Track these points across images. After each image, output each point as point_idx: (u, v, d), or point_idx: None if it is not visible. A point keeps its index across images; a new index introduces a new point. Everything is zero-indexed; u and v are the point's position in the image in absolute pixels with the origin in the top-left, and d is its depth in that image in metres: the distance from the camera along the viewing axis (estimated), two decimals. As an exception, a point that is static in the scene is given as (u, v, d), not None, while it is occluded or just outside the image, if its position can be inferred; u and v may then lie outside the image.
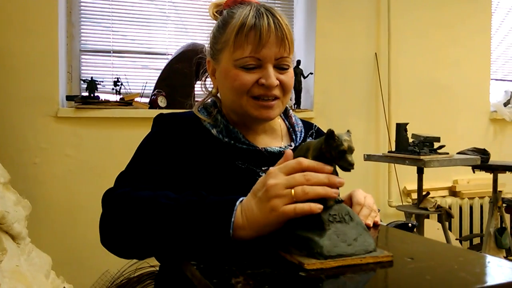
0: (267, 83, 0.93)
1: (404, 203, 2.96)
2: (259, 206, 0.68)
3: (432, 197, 2.48)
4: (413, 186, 2.70)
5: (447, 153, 2.28)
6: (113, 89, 2.49)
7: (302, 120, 1.18)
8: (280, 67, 0.96)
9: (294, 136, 1.08)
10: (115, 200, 0.79)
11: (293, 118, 1.13)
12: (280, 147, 1.03)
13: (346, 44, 2.96)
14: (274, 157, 1.01)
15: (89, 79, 2.42)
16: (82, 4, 2.63)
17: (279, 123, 1.10)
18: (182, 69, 2.62)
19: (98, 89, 2.57)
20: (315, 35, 2.89)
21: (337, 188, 0.68)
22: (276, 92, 0.96)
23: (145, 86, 2.66)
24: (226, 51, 0.96)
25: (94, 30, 2.70)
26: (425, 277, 0.58)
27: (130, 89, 2.65)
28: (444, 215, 2.34)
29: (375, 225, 0.90)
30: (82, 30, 2.66)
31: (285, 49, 0.94)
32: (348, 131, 0.70)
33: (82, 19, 2.65)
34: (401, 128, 2.33)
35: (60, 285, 2.07)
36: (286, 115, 1.14)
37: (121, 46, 2.73)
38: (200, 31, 2.87)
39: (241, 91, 0.94)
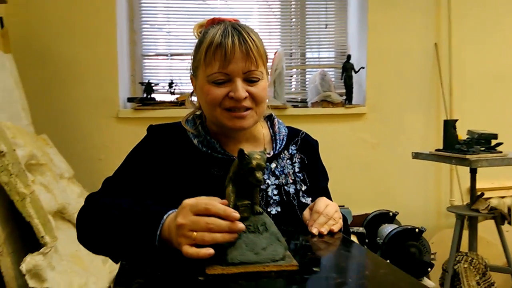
0: (235, 96, 0.99)
1: (464, 203, 2.78)
2: (173, 235, 0.76)
3: (488, 198, 2.31)
4: (480, 184, 2.52)
5: (500, 152, 2.12)
6: (167, 90, 2.69)
7: (290, 128, 1.22)
8: (250, 80, 1.02)
9: (274, 144, 1.13)
10: (86, 204, 0.92)
11: (276, 126, 1.17)
12: None
13: (400, 36, 2.83)
14: None
15: (146, 82, 2.65)
16: (143, 12, 2.87)
17: (261, 131, 1.15)
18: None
19: (158, 91, 2.81)
20: (367, 28, 2.82)
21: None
22: (247, 103, 1.01)
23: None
24: (201, 68, 1.04)
25: (154, 36, 2.94)
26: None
27: (185, 89, 2.84)
28: (499, 218, 2.17)
29: (332, 233, 0.93)
30: (143, 36, 2.90)
31: (251, 63, 1.00)
32: (264, 149, 0.75)
33: (143, 26, 2.89)
34: (449, 125, 2.21)
35: (116, 270, 2.33)
36: (272, 123, 1.19)
37: (179, 49, 2.94)
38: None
39: (213, 104, 1.02)
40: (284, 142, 1.13)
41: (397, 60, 2.85)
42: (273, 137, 1.15)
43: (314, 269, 0.71)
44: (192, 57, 1.09)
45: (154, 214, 0.80)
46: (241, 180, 0.75)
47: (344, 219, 1.17)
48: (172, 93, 2.69)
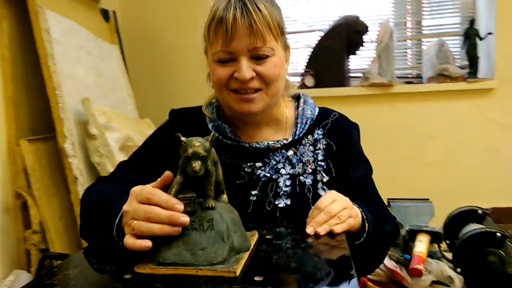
0: (239, 76, 0.90)
1: None
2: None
3: None
4: None
5: None
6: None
7: (323, 109, 1.07)
8: (257, 57, 0.91)
9: (294, 129, 1.01)
10: (86, 189, 0.95)
11: (301, 108, 1.04)
12: (270, 142, 0.98)
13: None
14: (260, 152, 0.98)
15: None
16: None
17: (285, 114, 1.04)
18: (332, 45, 2.57)
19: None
20: (497, -15, 2.33)
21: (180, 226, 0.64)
22: (254, 84, 0.92)
23: (297, 66, 2.73)
24: (208, 46, 0.97)
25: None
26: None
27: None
28: None
29: (332, 235, 0.78)
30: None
31: (257, 39, 0.89)
32: (212, 135, 0.66)
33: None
34: None
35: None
36: (298, 104, 1.06)
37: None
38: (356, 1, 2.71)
39: (219, 85, 0.94)
40: (306, 126, 1.00)
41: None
42: (296, 121, 1.03)
43: (256, 278, 0.60)
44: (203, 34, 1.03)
45: (118, 203, 0.78)
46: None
47: (392, 221, 0.99)
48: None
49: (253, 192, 0.95)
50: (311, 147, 1.00)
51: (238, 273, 0.61)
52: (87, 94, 1.89)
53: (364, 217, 0.89)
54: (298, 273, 0.62)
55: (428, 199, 1.70)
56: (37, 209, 1.74)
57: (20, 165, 1.76)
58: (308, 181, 0.96)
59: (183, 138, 0.64)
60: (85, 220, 0.86)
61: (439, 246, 1.40)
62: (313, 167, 0.98)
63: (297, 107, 1.05)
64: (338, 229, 0.79)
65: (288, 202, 0.94)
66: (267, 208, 0.93)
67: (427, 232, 1.36)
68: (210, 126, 1.03)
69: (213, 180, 0.68)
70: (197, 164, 0.63)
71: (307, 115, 1.02)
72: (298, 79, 2.65)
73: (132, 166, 1.00)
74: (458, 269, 1.22)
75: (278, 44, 0.94)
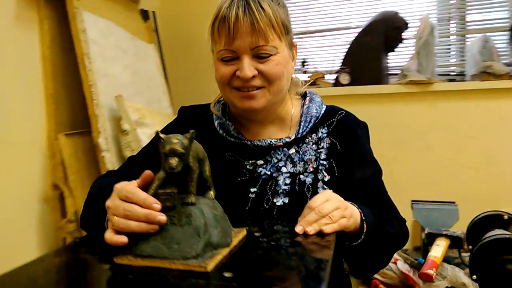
0: (241, 75, 0.91)
1: None
2: None
3: None
4: None
5: None
6: (299, 69, 2.64)
7: (330, 107, 1.05)
8: (260, 56, 0.91)
9: (297, 127, 1.00)
10: (94, 181, 0.99)
11: (305, 106, 1.02)
12: (273, 140, 0.98)
13: None
14: (261, 150, 0.99)
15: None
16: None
17: (290, 112, 1.03)
18: (369, 42, 2.50)
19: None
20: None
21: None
22: (256, 82, 0.92)
23: (332, 64, 2.68)
24: (213, 45, 0.99)
25: (292, 15, 2.90)
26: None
27: (319, 68, 2.73)
28: None
29: (322, 235, 0.77)
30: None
31: (259, 38, 0.89)
32: (191, 132, 0.67)
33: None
34: None
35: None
36: (304, 102, 1.05)
37: (317, 26, 2.83)
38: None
39: (222, 83, 0.96)
40: (310, 124, 0.99)
41: None
42: (300, 119, 1.02)
43: (225, 274, 0.61)
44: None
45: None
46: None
47: (399, 224, 0.96)
48: (305, 72, 2.62)
49: (252, 190, 0.95)
50: (314, 145, 0.99)
51: (210, 268, 0.62)
52: (122, 92, 1.97)
53: (363, 218, 0.87)
54: (270, 271, 0.62)
55: (454, 202, 1.62)
56: (73, 199, 1.84)
57: (58, 158, 1.87)
58: (308, 180, 0.95)
59: (161, 135, 0.66)
60: (84, 211, 0.90)
61: (459, 252, 1.33)
62: (314, 166, 0.96)
63: (303, 105, 1.04)
64: (328, 229, 0.77)
65: (286, 200, 0.93)
66: (265, 206, 0.94)
67: (446, 236, 1.30)
68: (216, 123, 1.04)
69: (195, 177, 0.70)
70: (173, 161, 0.64)
71: (311, 114, 1.01)
72: (333, 76, 2.61)
73: (138, 161, 1.03)
74: (474, 276, 1.15)
75: (282, 43, 0.93)
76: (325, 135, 1.00)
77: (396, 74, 2.57)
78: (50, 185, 1.88)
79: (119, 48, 2.10)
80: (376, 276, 1.37)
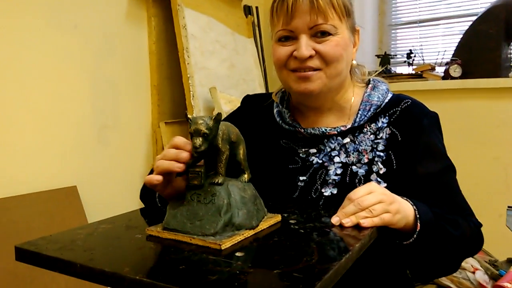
0: (297, 54, 0.89)
1: None
2: None
3: None
4: None
5: None
6: (405, 61, 2.48)
7: (396, 96, 0.97)
8: (318, 35, 0.89)
9: (355, 116, 0.94)
10: None
11: (366, 94, 0.96)
12: (327, 128, 0.94)
13: None
14: (315, 138, 0.96)
15: (383, 54, 2.52)
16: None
17: (350, 100, 0.98)
18: (487, 30, 2.25)
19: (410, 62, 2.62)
20: None
21: (184, 163, 0.70)
22: (314, 63, 0.89)
23: (443, 55, 2.46)
24: (272, 29, 0.99)
25: (402, 4, 2.73)
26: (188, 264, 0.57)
27: (424, 59, 2.53)
28: None
29: (360, 228, 0.72)
30: (394, 6, 2.75)
31: (318, 16, 0.87)
32: (218, 113, 0.69)
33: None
34: None
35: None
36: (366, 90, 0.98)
37: (428, 14, 2.62)
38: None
39: (279, 65, 0.95)
40: (369, 113, 0.94)
41: None
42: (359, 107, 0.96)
43: (237, 254, 0.61)
44: None
45: None
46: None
47: (468, 227, 0.87)
48: (410, 64, 2.45)
49: (302, 178, 0.93)
50: (372, 135, 0.93)
51: (224, 246, 0.63)
52: (218, 84, 2.07)
53: (417, 216, 0.79)
54: (281, 255, 0.61)
55: None
56: (169, 183, 2.00)
57: (160, 144, 2.05)
58: (361, 171, 0.90)
59: (189, 116, 0.69)
60: (143, 185, 0.98)
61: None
62: (370, 157, 0.91)
63: (365, 93, 0.98)
64: (366, 223, 0.72)
65: (335, 191, 0.89)
66: (313, 195, 0.91)
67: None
68: (275, 111, 1.04)
69: (223, 158, 0.71)
70: (197, 141, 0.67)
71: (372, 102, 0.95)
72: (442, 69, 2.40)
73: None
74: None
75: (343, 24, 0.90)
76: (385, 125, 0.93)
77: (518, 66, 2.26)
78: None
79: (218, 43, 2.21)
80: (450, 285, 1.23)
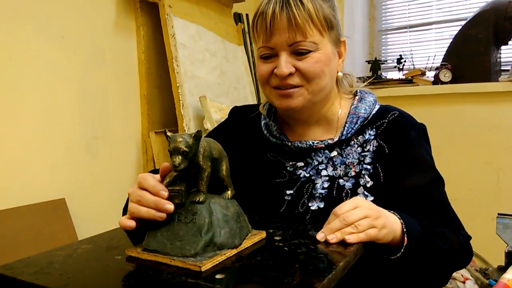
0: (277, 72, 0.88)
1: None
2: None
3: None
4: None
5: None
6: (395, 67, 2.48)
7: (383, 107, 0.96)
8: (298, 53, 0.88)
9: (342, 129, 0.93)
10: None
11: (353, 106, 0.95)
12: (314, 141, 0.93)
13: None
14: (302, 151, 0.94)
15: (373, 59, 2.52)
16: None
17: (337, 113, 0.96)
18: (476, 34, 2.25)
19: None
20: None
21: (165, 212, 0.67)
22: (294, 80, 0.88)
23: (433, 59, 2.46)
24: (254, 43, 0.98)
25: (392, 9, 2.73)
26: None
27: (414, 65, 2.53)
28: None
29: (345, 244, 0.71)
30: (383, 11, 2.76)
31: (297, 33, 0.86)
32: (197, 131, 0.67)
33: (382, 1, 2.74)
34: None
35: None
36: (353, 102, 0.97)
37: (418, 19, 2.63)
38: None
39: (261, 82, 0.94)
40: (357, 126, 0.92)
41: None
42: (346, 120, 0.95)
43: (217, 276, 0.60)
44: None
45: None
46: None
47: (456, 239, 0.86)
48: (400, 69, 2.45)
49: (288, 192, 0.92)
50: (359, 148, 0.92)
51: (204, 268, 0.62)
52: (209, 92, 2.06)
53: (405, 230, 0.78)
54: (262, 276, 0.59)
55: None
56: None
57: (150, 154, 2.03)
58: (348, 184, 0.89)
59: (169, 133, 0.68)
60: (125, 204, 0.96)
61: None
62: (357, 170, 0.90)
63: (352, 105, 0.97)
64: (351, 239, 0.71)
65: (322, 205, 0.88)
66: (299, 209, 0.90)
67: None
68: (262, 123, 1.03)
69: (205, 175, 0.70)
70: (177, 159, 0.65)
71: (359, 114, 0.94)
72: (433, 74, 2.40)
73: None
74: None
75: (325, 39, 0.88)
76: (372, 137, 0.92)
77: (507, 70, 2.26)
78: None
79: (208, 51, 2.20)
80: (441, 296, 1.22)
